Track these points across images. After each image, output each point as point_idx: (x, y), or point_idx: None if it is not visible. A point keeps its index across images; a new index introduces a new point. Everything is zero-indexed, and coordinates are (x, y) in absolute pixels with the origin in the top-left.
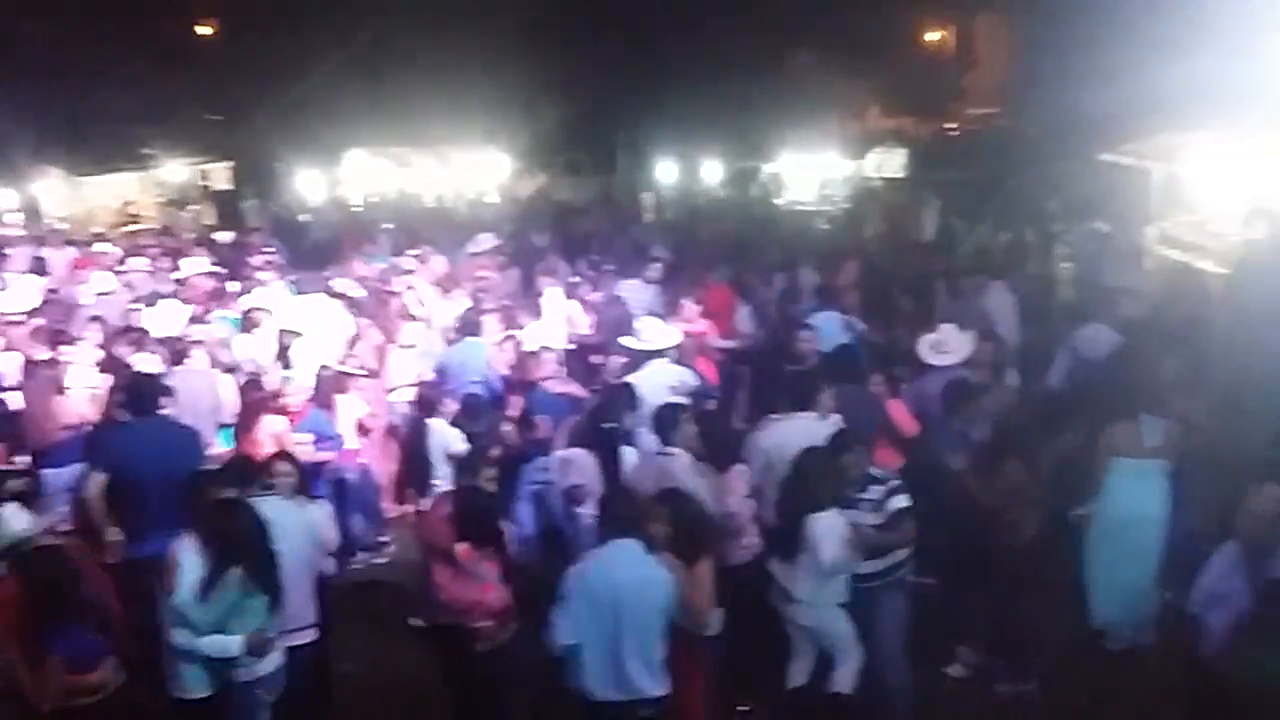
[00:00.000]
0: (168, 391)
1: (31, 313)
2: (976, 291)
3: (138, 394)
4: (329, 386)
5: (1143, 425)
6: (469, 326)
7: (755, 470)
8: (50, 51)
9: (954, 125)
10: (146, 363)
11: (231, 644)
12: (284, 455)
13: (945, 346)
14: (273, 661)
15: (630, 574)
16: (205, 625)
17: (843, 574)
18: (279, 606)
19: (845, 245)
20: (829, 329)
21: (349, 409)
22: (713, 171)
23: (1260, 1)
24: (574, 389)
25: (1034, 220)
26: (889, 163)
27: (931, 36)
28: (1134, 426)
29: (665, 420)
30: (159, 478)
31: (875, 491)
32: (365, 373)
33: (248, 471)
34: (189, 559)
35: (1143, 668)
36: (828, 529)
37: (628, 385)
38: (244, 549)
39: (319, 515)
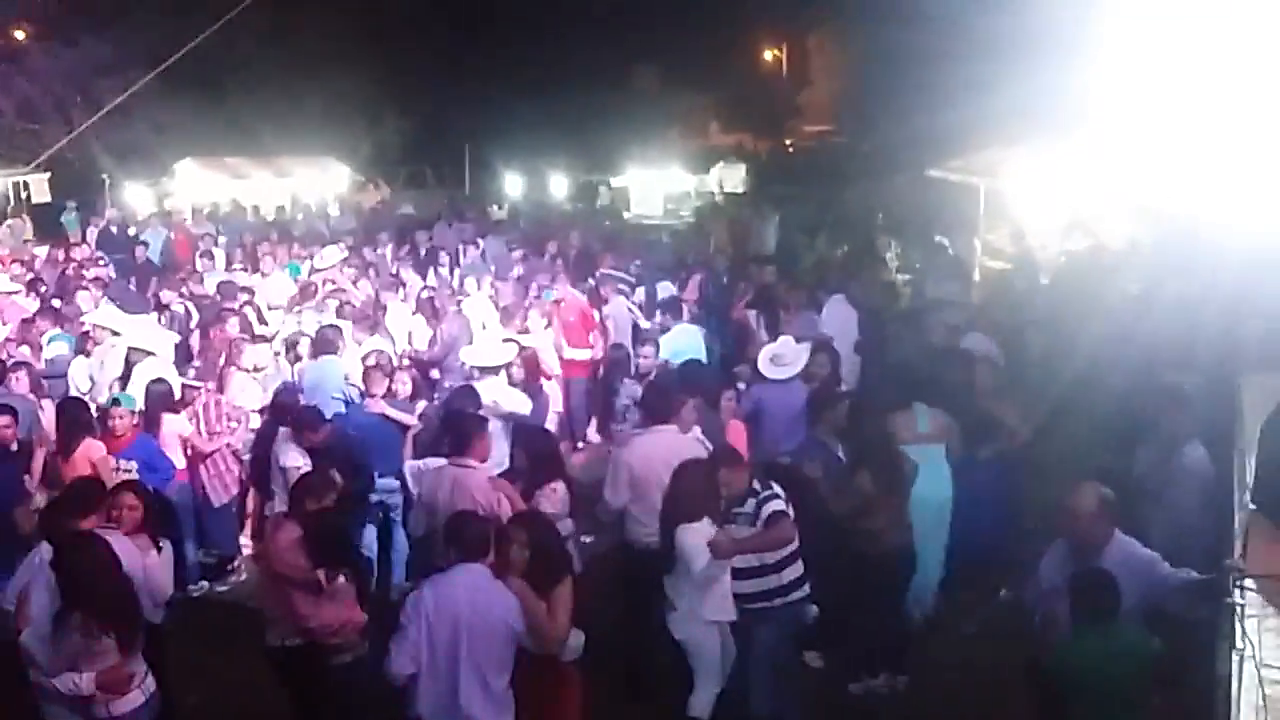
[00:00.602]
0: None
1: None
2: (816, 304)
3: None
4: (159, 405)
5: (916, 413)
6: (324, 344)
7: (620, 485)
8: None
9: (790, 141)
10: None
11: (83, 682)
12: (130, 487)
13: (784, 359)
14: (131, 701)
15: (473, 600)
16: (55, 665)
17: (717, 588)
18: (131, 646)
19: (689, 259)
20: (682, 342)
21: (178, 429)
22: (560, 185)
23: (1078, 24)
24: (398, 411)
25: (867, 234)
26: (730, 177)
27: (768, 55)
28: (910, 415)
29: (462, 433)
30: None
31: (750, 505)
32: (203, 387)
33: (91, 499)
34: (38, 596)
35: (991, 661)
36: (699, 540)
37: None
38: (90, 588)
39: (153, 563)
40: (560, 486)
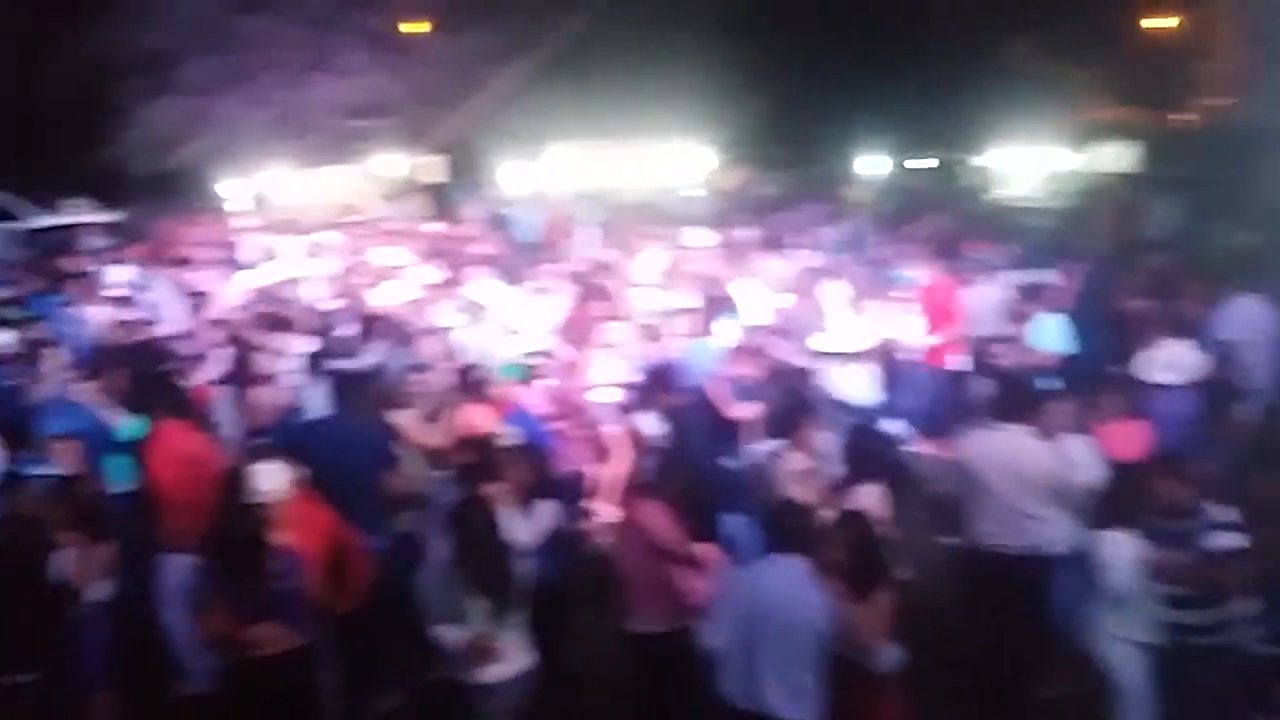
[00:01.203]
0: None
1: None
2: (1219, 300)
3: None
4: (529, 378)
5: None
6: (699, 324)
7: (967, 485)
8: (274, 48)
9: (1186, 117)
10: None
11: (457, 639)
12: (519, 454)
13: (1174, 362)
14: (498, 673)
15: (780, 593)
16: (438, 614)
17: (1139, 604)
18: (501, 615)
19: (1069, 244)
20: (1052, 334)
21: (544, 400)
22: (920, 164)
23: None
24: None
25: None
26: (1115, 156)
27: (1161, 23)
28: None
29: (790, 421)
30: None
31: (1191, 524)
32: (570, 362)
33: (492, 466)
34: (437, 542)
35: None
36: (1121, 550)
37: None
38: (473, 551)
39: (531, 530)
40: (880, 488)
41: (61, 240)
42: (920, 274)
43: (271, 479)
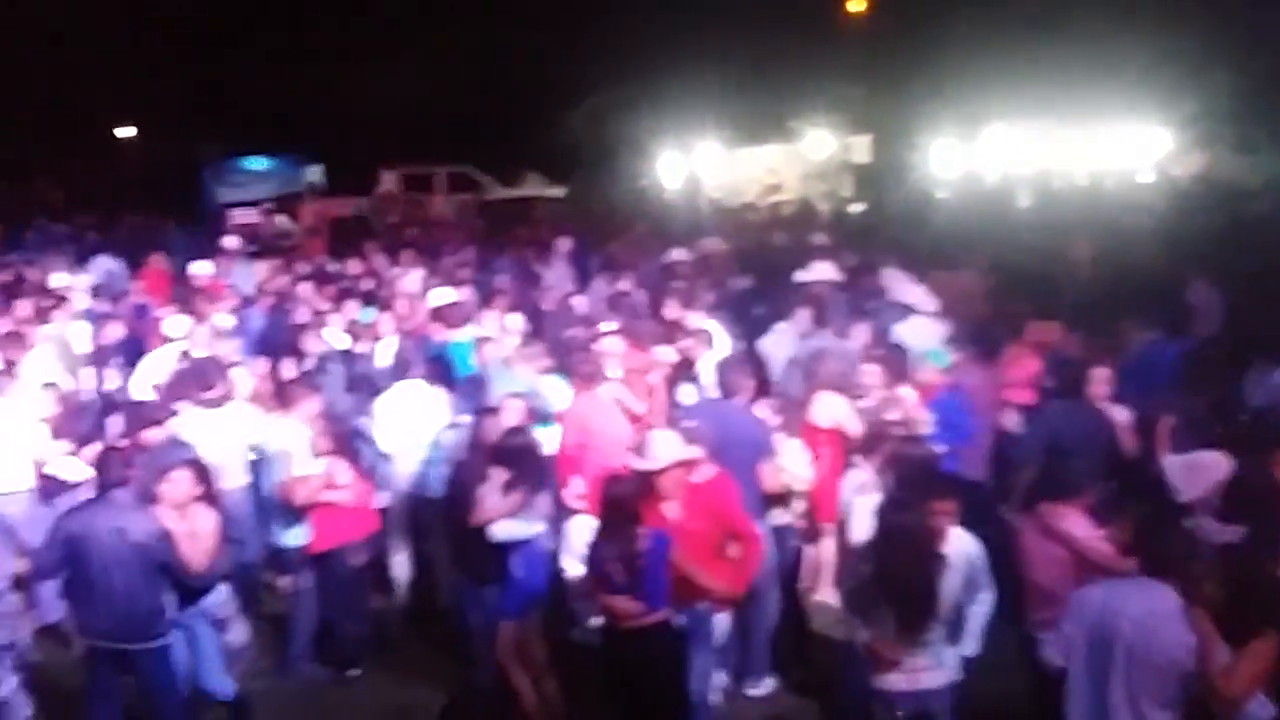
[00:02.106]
0: None
1: None
2: None
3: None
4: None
5: None
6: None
7: None
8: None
9: None
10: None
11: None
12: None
13: None
14: (899, 682)
15: (1144, 621)
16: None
17: None
18: (909, 630)
19: None
20: None
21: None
22: None
23: None
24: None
25: None
26: None
27: None
28: None
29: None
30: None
31: None
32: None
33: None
34: None
35: None
36: None
37: None
38: (890, 557)
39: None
40: None
41: (516, 211)
42: None
43: (666, 449)
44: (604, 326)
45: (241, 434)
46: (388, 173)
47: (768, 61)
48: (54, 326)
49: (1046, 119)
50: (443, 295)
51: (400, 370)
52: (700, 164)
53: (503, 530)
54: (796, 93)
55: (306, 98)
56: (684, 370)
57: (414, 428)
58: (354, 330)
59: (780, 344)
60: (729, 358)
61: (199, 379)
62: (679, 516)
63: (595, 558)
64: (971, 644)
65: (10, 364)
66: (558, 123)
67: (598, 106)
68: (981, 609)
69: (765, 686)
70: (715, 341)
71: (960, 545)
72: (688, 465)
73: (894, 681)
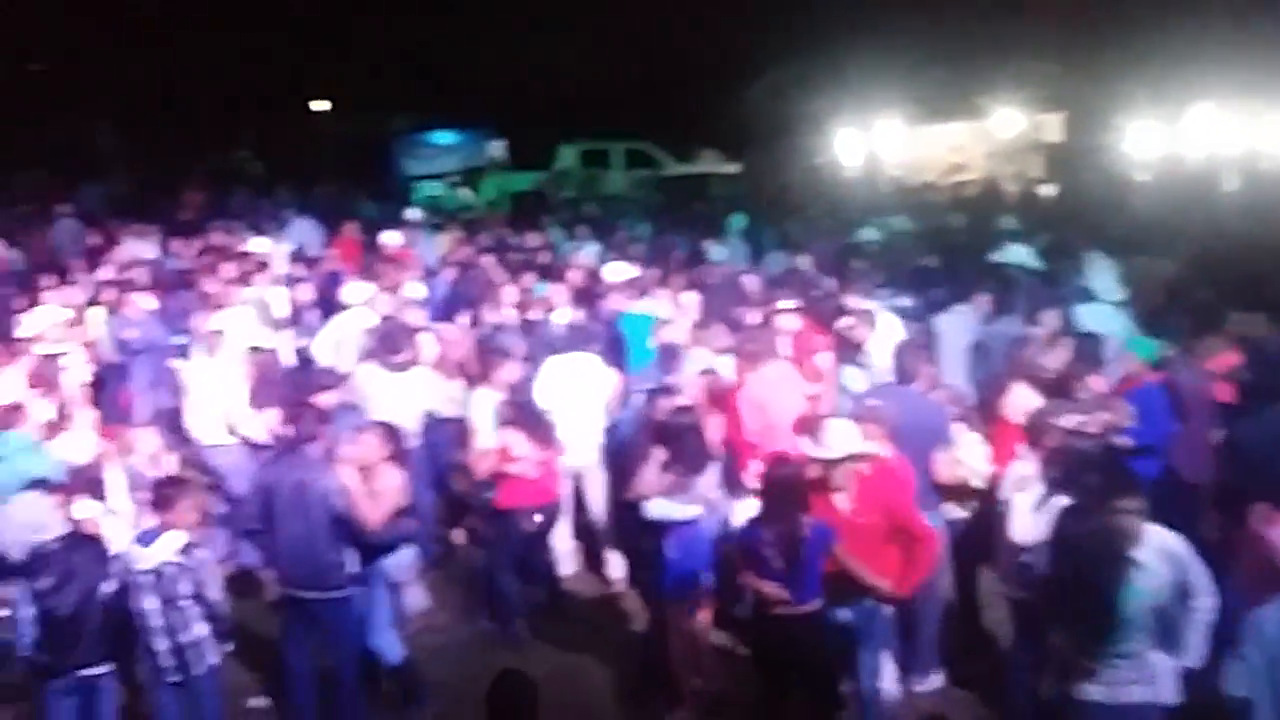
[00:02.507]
0: None
1: None
2: None
3: None
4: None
5: None
6: None
7: None
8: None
9: None
10: None
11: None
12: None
13: None
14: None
15: None
16: None
17: None
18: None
19: None
20: None
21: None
22: None
23: None
24: None
25: None
26: None
27: None
28: None
29: None
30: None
31: None
32: None
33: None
34: None
35: None
36: None
37: None
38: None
39: None
40: None
41: (692, 187)
42: None
43: (843, 439)
44: (781, 304)
45: (421, 398)
46: (567, 148)
47: (954, 34)
48: (254, 290)
49: (1255, 99)
50: (618, 270)
51: (575, 342)
52: (880, 141)
53: (657, 509)
54: (984, 67)
55: (491, 74)
56: (849, 352)
57: (581, 398)
58: (526, 301)
59: (956, 326)
60: (907, 341)
61: (387, 343)
62: (849, 509)
63: (751, 537)
64: (1193, 655)
65: (216, 327)
66: (734, 98)
67: (776, 81)
68: (1200, 616)
69: (932, 683)
70: (884, 323)
71: (1161, 545)
72: (863, 458)
73: (1091, 692)
